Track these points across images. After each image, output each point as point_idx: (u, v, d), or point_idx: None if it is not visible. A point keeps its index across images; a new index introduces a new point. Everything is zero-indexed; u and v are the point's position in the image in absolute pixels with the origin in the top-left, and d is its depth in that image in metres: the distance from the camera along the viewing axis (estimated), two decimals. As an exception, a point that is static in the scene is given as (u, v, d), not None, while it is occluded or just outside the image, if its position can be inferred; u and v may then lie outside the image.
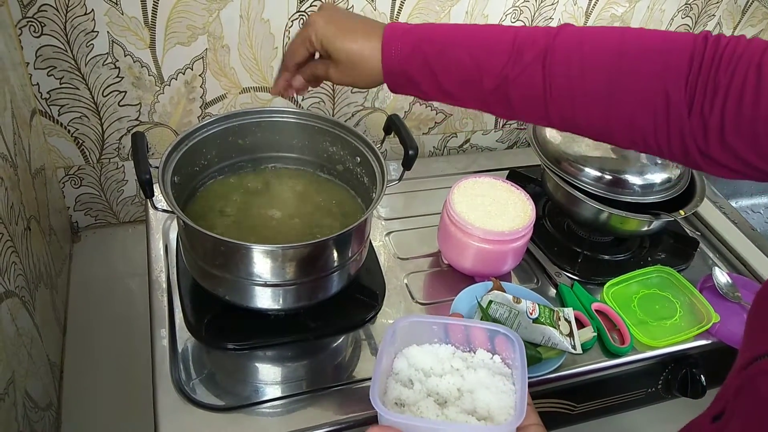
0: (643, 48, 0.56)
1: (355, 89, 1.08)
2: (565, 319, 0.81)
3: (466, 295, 0.85)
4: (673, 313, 0.90)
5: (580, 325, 0.84)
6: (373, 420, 0.73)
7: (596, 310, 0.88)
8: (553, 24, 1.13)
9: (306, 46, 0.66)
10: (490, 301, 0.79)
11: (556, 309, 0.81)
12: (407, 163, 0.79)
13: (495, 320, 0.78)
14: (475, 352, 0.60)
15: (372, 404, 0.52)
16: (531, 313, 0.78)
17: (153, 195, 0.68)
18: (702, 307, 0.90)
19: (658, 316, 0.89)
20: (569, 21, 1.14)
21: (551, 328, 0.77)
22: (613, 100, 0.56)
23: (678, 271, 0.96)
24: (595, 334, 0.83)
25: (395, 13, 1.01)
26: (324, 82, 0.70)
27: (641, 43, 0.56)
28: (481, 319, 0.79)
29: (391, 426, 0.51)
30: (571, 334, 0.79)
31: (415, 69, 0.62)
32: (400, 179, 0.81)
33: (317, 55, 0.69)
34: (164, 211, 0.71)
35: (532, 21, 1.11)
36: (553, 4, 1.10)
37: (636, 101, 0.56)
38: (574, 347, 0.78)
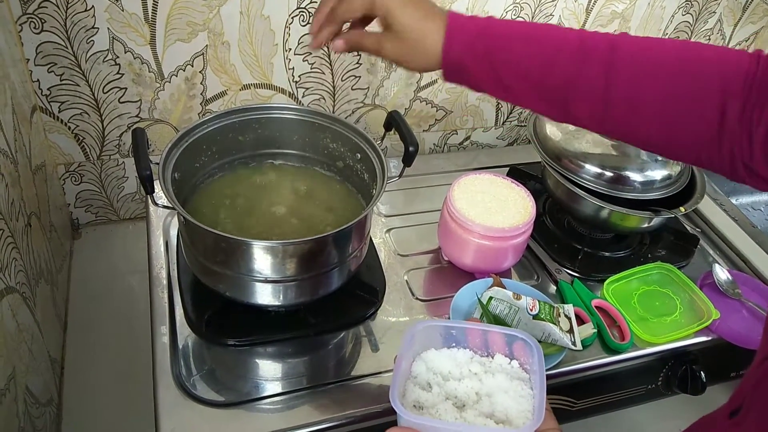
0: (701, 59, 0.56)
1: (356, 86, 1.08)
2: (566, 316, 0.81)
3: (467, 292, 0.85)
4: (673, 309, 0.90)
5: (580, 321, 0.84)
6: (375, 417, 0.74)
7: (596, 307, 0.88)
8: (554, 21, 1.13)
9: (366, 5, 0.61)
10: (491, 298, 0.80)
11: (556, 305, 0.81)
12: (407, 160, 0.79)
13: (495, 317, 0.79)
14: (493, 357, 0.60)
15: (392, 405, 0.52)
16: (531, 310, 0.78)
17: (153, 191, 0.69)
18: (702, 303, 0.90)
19: (658, 312, 0.89)
20: (570, 17, 1.14)
21: (551, 325, 0.77)
22: (670, 108, 0.56)
23: (678, 268, 0.96)
24: (595, 330, 0.83)
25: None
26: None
27: (699, 54, 0.57)
28: (480, 316, 0.79)
29: (410, 428, 0.51)
30: (571, 331, 0.79)
31: (476, 60, 0.60)
32: (400, 176, 0.81)
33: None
34: (165, 207, 0.71)
35: (532, 17, 1.11)
36: (553, 1, 1.10)
37: (693, 110, 0.56)
38: (574, 343, 0.78)
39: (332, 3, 0.62)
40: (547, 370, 0.68)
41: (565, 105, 0.60)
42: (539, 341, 0.77)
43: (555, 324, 0.78)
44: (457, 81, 0.64)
